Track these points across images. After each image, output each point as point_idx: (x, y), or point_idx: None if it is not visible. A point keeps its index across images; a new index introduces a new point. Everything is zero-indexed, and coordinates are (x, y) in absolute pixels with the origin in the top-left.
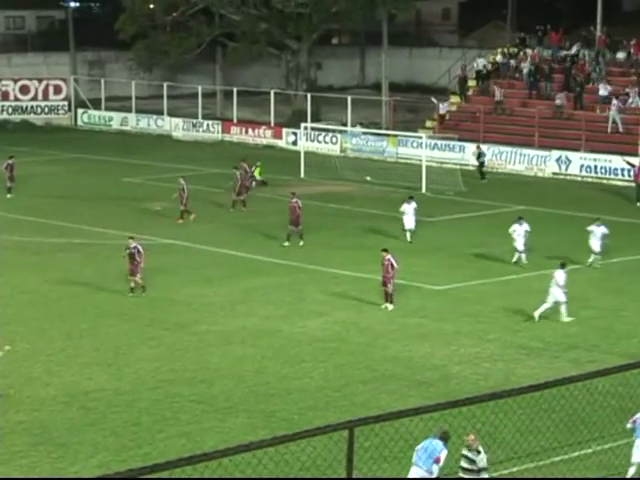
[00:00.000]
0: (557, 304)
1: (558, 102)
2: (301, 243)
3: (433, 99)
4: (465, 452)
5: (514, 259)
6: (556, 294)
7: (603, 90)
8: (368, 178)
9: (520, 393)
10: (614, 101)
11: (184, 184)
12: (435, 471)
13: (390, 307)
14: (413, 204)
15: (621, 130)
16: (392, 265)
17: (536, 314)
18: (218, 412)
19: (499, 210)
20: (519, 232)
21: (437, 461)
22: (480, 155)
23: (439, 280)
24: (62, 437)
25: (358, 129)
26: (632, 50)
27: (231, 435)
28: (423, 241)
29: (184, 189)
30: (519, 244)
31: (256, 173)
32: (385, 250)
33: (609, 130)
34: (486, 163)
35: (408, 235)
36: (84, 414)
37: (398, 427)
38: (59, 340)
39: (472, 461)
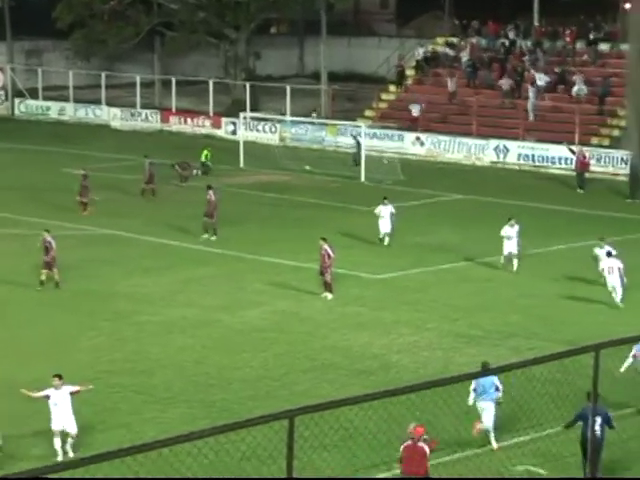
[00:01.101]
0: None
1: (505, 88)
2: (213, 238)
3: (412, 106)
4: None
5: (502, 261)
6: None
7: (539, 80)
8: (307, 167)
9: (459, 381)
10: (530, 89)
11: (85, 174)
12: (499, 397)
13: (329, 296)
14: (390, 207)
15: (531, 119)
16: (329, 254)
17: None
18: (158, 402)
19: (438, 199)
20: (510, 234)
21: (498, 389)
22: (358, 142)
23: (378, 269)
24: (2, 429)
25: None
26: (567, 39)
27: (171, 425)
28: (362, 230)
29: (86, 177)
30: (509, 247)
31: (202, 156)
32: (323, 239)
33: (531, 118)
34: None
35: (386, 240)
36: (24, 405)
37: (338, 416)
38: None
39: None
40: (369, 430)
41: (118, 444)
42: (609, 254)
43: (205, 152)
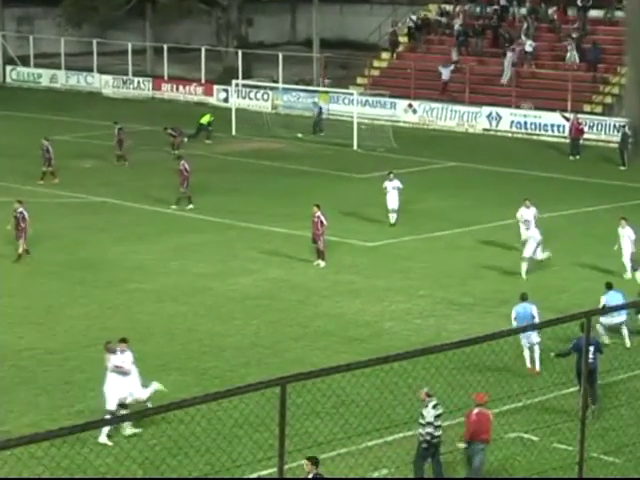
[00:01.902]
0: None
1: (528, 48)
2: (189, 206)
3: (441, 69)
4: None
5: (524, 251)
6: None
7: (528, 47)
8: (300, 135)
9: (451, 348)
10: (509, 53)
11: (48, 145)
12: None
13: (322, 264)
14: (396, 182)
15: (504, 82)
16: (322, 222)
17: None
18: (150, 370)
19: (430, 166)
20: (527, 217)
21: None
22: (320, 108)
23: (370, 237)
24: None
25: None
26: (561, 7)
27: (163, 393)
28: (354, 198)
29: (49, 150)
30: (526, 232)
31: (204, 119)
32: (316, 206)
33: (504, 82)
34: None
35: (391, 217)
36: (15, 373)
37: (330, 383)
38: None
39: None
40: (361, 397)
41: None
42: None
43: (207, 116)
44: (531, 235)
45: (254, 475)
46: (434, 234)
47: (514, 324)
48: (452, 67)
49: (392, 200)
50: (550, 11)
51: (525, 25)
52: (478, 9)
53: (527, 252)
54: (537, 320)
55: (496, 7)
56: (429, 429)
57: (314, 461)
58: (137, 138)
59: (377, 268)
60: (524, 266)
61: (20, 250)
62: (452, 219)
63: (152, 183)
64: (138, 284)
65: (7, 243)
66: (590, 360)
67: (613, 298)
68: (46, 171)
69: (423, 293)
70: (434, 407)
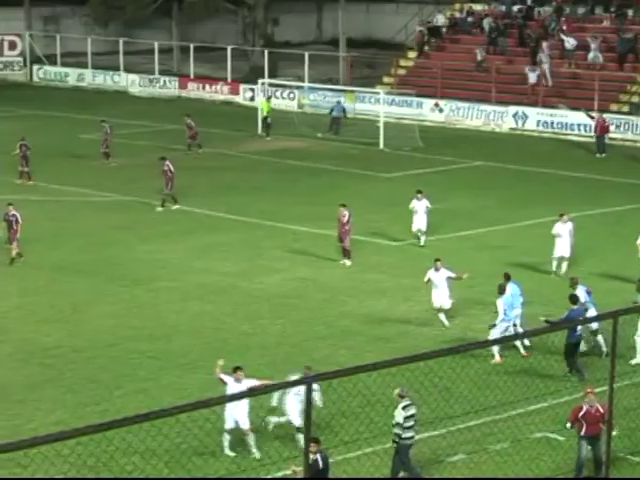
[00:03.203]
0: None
1: (479, 57)
2: (175, 206)
3: (528, 71)
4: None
5: (554, 267)
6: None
7: (568, 44)
8: (319, 135)
9: (477, 347)
10: (543, 55)
11: (107, 127)
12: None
13: (348, 263)
14: (424, 201)
15: (548, 84)
16: (348, 221)
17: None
18: (176, 368)
19: (456, 166)
20: (562, 232)
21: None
22: (344, 110)
23: (397, 236)
24: (20, 394)
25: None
26: (589, 5)
27: (189, 391)
28: (381, 197)
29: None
30: (561, 249)
31: (264, 108)
32: (342, 205)
33: (549, 84)
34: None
35: (421, 238)
36: (42, 371)
37: (356, 382)
38: (15, 297)
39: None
40: (387, 396)
41: (136, 410)
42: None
43: (266, 104)
44: (562, 253)
45: (279, 474)
46: (460, 233)
47: (502, 311)
48: (538, 71)
49: (420, 221)
50: (576, 10)
51: (552, 24)
52: (504, 8)
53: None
54: (522, 296)
55: (522, 6)
56: (397, 430)
57: (316, 441)
58: (163, 137)
59: (403, 267)
60: (559, 265)
61: (13, 254)
62: (478, 218)
63: (178, 182)
64: (165, 283)
65: (35, 240)
66: (578, 333)
67: (512, 289)
68: (107, 152)
69: (449, 292)
70: (404, 408)
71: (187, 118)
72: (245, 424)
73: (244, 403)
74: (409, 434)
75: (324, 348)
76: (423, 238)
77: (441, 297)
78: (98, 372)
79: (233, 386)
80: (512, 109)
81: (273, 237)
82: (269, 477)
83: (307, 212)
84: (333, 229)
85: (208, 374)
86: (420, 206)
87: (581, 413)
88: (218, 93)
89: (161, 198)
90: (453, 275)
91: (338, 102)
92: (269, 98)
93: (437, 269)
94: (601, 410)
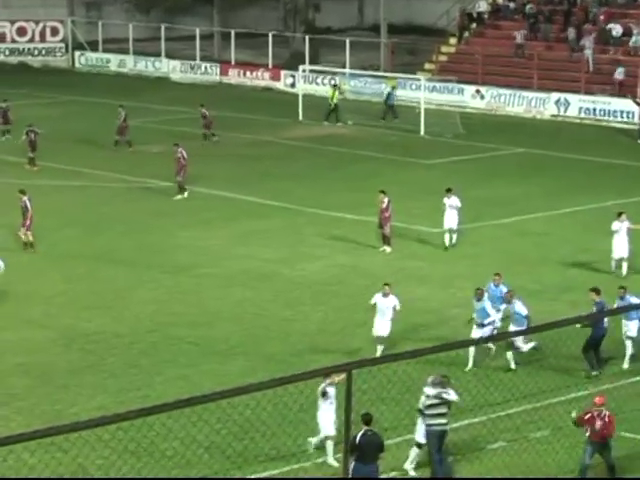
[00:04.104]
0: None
1: (518, 41)
2: (178, 197)
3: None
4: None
5: (613, 267)
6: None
7: (614, 31)
8: (350, 122)
9: (516, 335)
10: (587, 40)
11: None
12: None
13: (388, 250)
14: (454, 199)
15: (590, 70)
16: (388, 207)
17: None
18: (217, 355)
19: (497, 153)
20: (620, 230)
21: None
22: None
23: (437, 223)
24: (61, 379)
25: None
26: None
27: (229, 378)
28: (421, 184)
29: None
30: (619, 249)
31: (334, 95)
32: (382, 192)
33: (591, 70)
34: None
35: (447, 238)
36: (83, 356)
37: (395, 369)
38: (58, 283)
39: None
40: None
41: (176, 396)
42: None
43: (335, 91)
44: (621, 254)
45: (319, 459)
46: (501, 221)
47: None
48: (624, 68)
49: (450, 219)
50: None
51: (594, 10)
52: None
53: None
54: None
55: None
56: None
57: (367, 419)
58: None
59: (443, 254)
60: (619, 266)
61: (30, 238)
62: (519, 206)
63: (219, 168)
64: (206, 269)
65: (76, 225)
66: (603, 326)
67: (493, 292)
68: (124, 139)
69: (490, 280)
70: (427, 396)
71: (201, 108)
72: (330, 430)
73: (331, 410)
74: (433, 421)
75: (364, 335)
76: (454, 237)
77: (383, 325)
78: (139, 358)
79: (330, 390)
80: (554, 96)
81: (314, 224)
82: (277, 477)
83: (347, 199)
84: (373, 216)
85: (249, 360)
86: (450, 204)
87: (587, 417)
88: (259, 79)
89: (177, 186)
90: (398, 307)
91: (393, 88)
92: (335, 86)
93: (385, 294)
94: (608, 419)
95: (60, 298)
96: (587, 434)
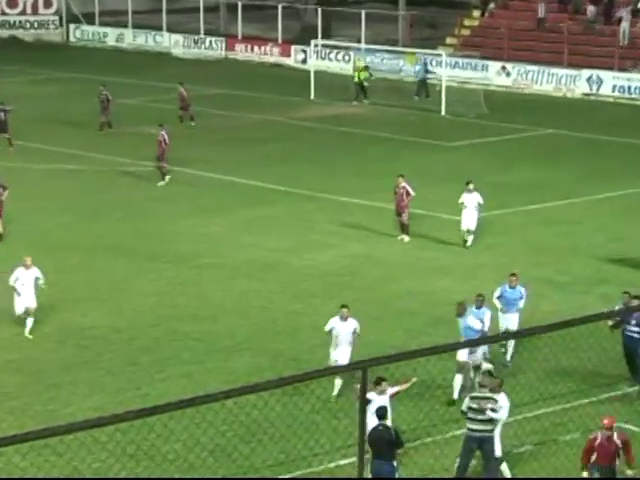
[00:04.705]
0: None
1: (540, 14)
2: (160, 183)
3: None
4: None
5: None
6: None
7: None
8: (366, 101)
9: (544, 331)
10: (624, 11)
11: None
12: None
13: (406, 239)
14: (476, 195)
15: (626, 43)
16: (407, 192)
17: None
18: (221, 351)
19: (524, 134)
20: None
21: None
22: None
23: (459, 210)
24: (55, 377)
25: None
26: None
27: (235, 376)
28: (440, 167)
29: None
30: None
31: (360, 75)
32: (401, 176)
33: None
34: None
35: (467, 237)
36: (78, 353)
37: (415, 367)
38: (51, 274)
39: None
40: (448, 382)
41: (179, 395)
42: None
43: (362, 72)
44: None
45: (332, 464)
46: (527, 207)
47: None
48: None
49: (469, 218)
50: None
51: None
52: None
53: None
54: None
55: None
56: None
57: (380, 413)
58: (208, 102)
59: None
60: None
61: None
62: (547, 191)
63: (222, 151)
64: (209, 259)
65: (73, 212)
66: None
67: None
68: (104, 122)
69: (515, 271)
70: (472, 399)
71: (180, 86)
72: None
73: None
74: (471, 426)
75: (379, 329)
76: (470, 238)
77: (342, 353)
78: (138, 354)
79: (376, 399)
80: (585, 73)
81: (325, 210)
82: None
83: (362, 183)
84: (389, 202)
85: (255, 357)
86: (470, 200)
87: (595, 443)
88: (268, 55)
89: (160, 172)
90: (358, 330)
91: (424, 63)
92: (367, 67)
93: (343, 317)
94: (617, 442)
95: (53, 290)
96: (592, 460)
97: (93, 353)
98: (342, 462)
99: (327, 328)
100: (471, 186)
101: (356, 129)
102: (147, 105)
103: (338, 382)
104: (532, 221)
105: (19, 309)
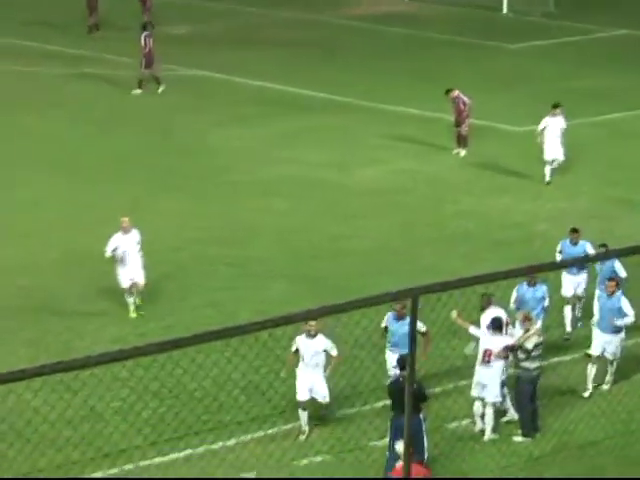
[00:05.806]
0: None
1: None
2: (160, 89)
3: None
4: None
5: None
6: None
7: None
8: None
9: (619, 256)
10: None
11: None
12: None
13: (462, 152)
14: (560, 119)
15: None
16: (464, 102)
17: None
18: (253, 277)
19: (596, 35)
20: None
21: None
22: None
23: (521, 120)
24: (72, 306)
25: None
26: None
27: (269, 305)
28: (502, 72)
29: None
30: None
31: None
32: (449, 90)
33: None
34: None
35: (548, 171)
36: (96, 279)
37: (470, 296)
38: (63, 192)
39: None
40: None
41: (206, 326)
42: None
43: None
44: None
45: (379, 404)
46: (598, 118)
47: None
48: None
49: (554, 147)
50: None
51: None
52: None
53: None
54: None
55: None
56: (520, 355)
57: (402, 365)
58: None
59: (529, 158)
60: None
61: None
62: (620, 100)
63: (260, 54)
64: (241, 175)
65: (84, 126)
66: None
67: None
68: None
69: (585, 189)
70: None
71: None
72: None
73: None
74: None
75: (432, 254)
76: (549, 170)
77: (316, 382)
78: (160, 281)
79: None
80: None
81: (372, 121)
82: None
83: (415, 91)
84: (445, 112)
85: (292, 284)
86: (554, 125)
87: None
88: None
89: (145, 79)
90: (334, 352)
91: None
92: None
93: (310, 334)
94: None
95: (67, 210)
96: None
97: (112, 280)
98: (379, 404)
99: (292, 348)
100: (558, 110)
101: (409, 29)
102: (172, 1)
103: (304, 414)
104: (604, 133)
105: (125, 282)
